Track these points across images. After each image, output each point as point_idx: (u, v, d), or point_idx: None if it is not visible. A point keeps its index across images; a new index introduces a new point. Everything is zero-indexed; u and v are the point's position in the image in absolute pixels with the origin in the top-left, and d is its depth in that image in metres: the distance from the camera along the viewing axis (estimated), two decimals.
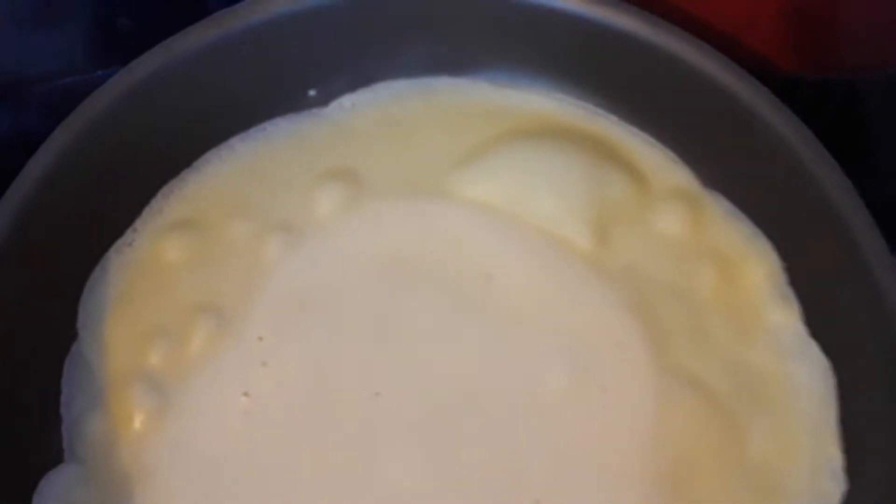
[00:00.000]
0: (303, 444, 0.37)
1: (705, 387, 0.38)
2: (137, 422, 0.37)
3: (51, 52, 0.50)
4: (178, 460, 0.37)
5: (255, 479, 0.37)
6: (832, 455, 0.37)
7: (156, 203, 0.42)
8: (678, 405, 0.37)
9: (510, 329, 0.39)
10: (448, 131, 0.43)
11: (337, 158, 0.42)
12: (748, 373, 0.38)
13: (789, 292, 0.40)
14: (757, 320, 0.39)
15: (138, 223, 0.42)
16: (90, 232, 0.41)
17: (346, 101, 0.45)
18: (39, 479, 0.37)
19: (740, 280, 0.40)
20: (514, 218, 0.41)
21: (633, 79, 0.43)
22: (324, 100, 0.45)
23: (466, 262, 0.40)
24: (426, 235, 0.41)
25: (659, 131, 0.43)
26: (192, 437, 0.37)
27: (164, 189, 0.42)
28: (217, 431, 0.37)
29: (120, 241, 0.41)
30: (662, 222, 0.41)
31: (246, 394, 0.38)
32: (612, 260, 0.40)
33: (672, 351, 0.38)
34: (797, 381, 0.38)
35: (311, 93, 0.45)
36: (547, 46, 0.44)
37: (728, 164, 0.42)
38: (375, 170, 0.42)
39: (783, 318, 0.39)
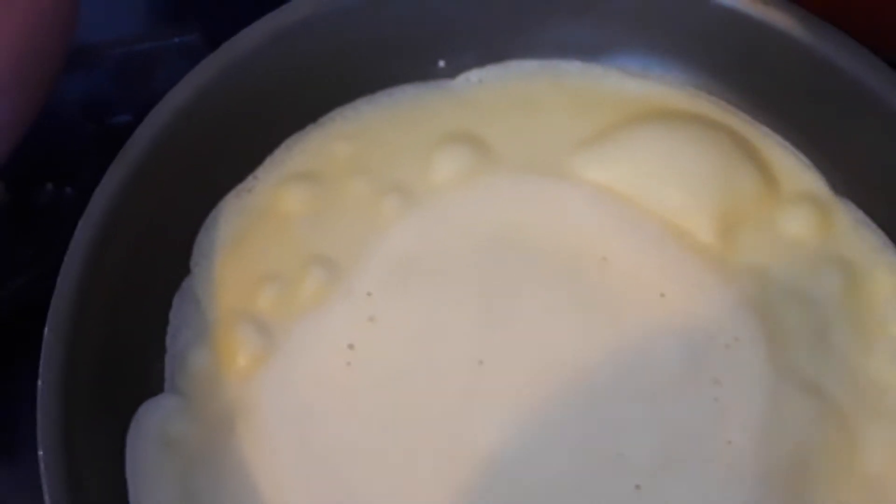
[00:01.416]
0: (402, 402, 0.37)
1: (822, 391, 0.37)
2: (241, 360, 0.37)
3: (126, 17, 0.51)
4: (277, 402, 0.37)
5: (352, 430, 0.36)
6: None
7: (279, 154, 0.42)
8: (793, 406, 0.36)
9: (622, 313, 0.38)
10: (574, 114, 0.43)
11: (459, 129, 0.42)
12: (868, 382, 0.37)
13: None
14: (882, 331, 0.38)
15: (259, 171, 0.42)
16: (212, 174, 0.41)
17: (474, 75, 0.44)
18: (138, 405, 0.37)
19: (867, 290, 0.39)
20: (636, 205, 0.40)
21: (772, 76, 0.42)
22: (452, 72, 0.45)
23: (582, 243, 0.40)
24: (543, 213, 0.40)
25: (793, 134, 0.42)
26: (294, 381, 0.37)
27: (288, 141, 0.43)
28: (319, 379, 0.37)
29: (240, 186, 0.42)
30: (790, 225, 0.40)
31: (350, 346, 0.37)
32: (735, 258, 0.39)
33: (790, 353, 0.37)
34: None
35: (441, 64, 0.44)
36: (683, 37, 0.43)
37: (861, 172, 0.41)
38: (497, 143, 0.42)
39: None
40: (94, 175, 0.38)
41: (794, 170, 0.42)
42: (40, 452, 0.31)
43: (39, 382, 0.32)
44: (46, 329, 0.33)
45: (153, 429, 0.36)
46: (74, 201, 0.49)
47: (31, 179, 0.49)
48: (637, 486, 0.35)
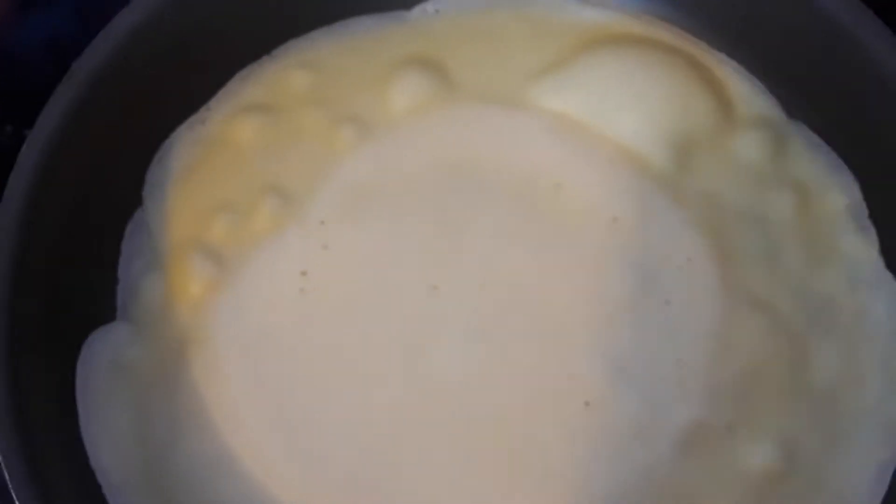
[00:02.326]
0: (356, 328, 0.37)
1: (772, 309, 0.37)
2: (194, 288, 0.37)
3: None
4: (230, 329, 0.37)
5: (306, 356, 0.36)
6: None
7: (232, 85, 0.42)
8: (743, 324, 0.36)
9: (574, 237, 0.38)
10: (531, 43, 0.43)
11: (415, 58, 0.42)
12: (819, 299, 0.37)
13: (868, 224, 0.39)
14: (832, 250, 0.38)
15: (212, 102, 0.42)
16: (164, 104, 0.41)
17: (431, 5, 0.44)
18: (89, 333, 0.37)
19: (819, 209, 0.39)
20: (592, 132, 0.40)
21: (727, 3, 0.42)
22: (408, 3, 0.44)
23: (536, 170, 0.40)
24: (498, 142, 0.40)
25: (748, 59, 0.42)
26: (247, 309, 0.37)
27: (242, 73, 0.42)
28: (272, 306, 0.37)
29: (193, 118, 0.41)
30: (744, 149, 0.40)
31: (304, 273, 0.37)
32: (689, 182, 0.39)
33: (741, 273, 0.37)
34: (870, 311, 0.37)
35: None
36: None
37: (815, 95, 0.41)
38: (453, 73, 0.42)
39: (860, 249, 0.38)
40: None
41: (749, 95, 0.42)
42: None
43: None
44: None
45: (104, 356, 0.36)
46: None
47: None
48: (586, 403, 0.35)
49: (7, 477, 0.29)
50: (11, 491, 0.29)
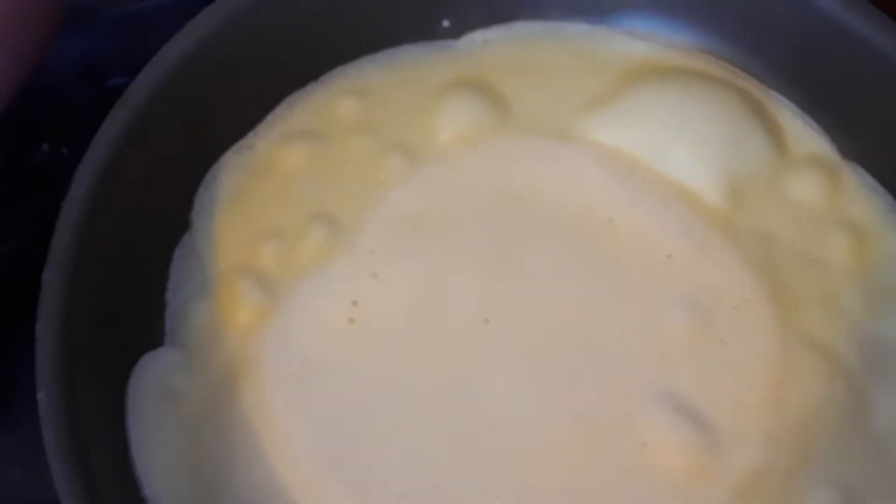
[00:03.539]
0: (406, 359, 0.36)
1: (830, 353, 0.36)
2: (243, 315, 0.37)
3: None
4: (279, 357, 0.36)
5: (356, 386, 0.36)
6: None
7: (280, 111, 0.42)
8: (801, 368, 0.36)
9: (628, 273, 0.38)
10: (581, 76, 0.42)
11: (463, 85, 0.41)
12: (877, 344, 0.37)
13: None
14: (889, 292, 0.38)
15: (260, 128, 0.41)
16: (212, 129, 0.40)
17: (479, 35, 0.44)
18: (138, 358, 0.36)
19: (874, 252, 0.39)
20: (644, 166, 0.40)
21: (781, 40, 0.42)
22: (456, 32, 0.44)
23: (589, 204, 0.39)
24: (550, 174, 0.40)
25: (801, 98, 0.42)
26: (296, 337, 0.36)
27: (290, 98, 0.42)
28: (321, 335, 0.36)
29: (241, 143, 0.41)
30: (798, 189, 0.40)
31: (354, 302, 0.37)
32: (742, 220, 0.39)
33: (798, 315, 0.37)
34: None
35: (445, 23, 0.44)
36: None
37: (870, 136, 0.41)
38: (500, 106, 0.41)
39: None
40: (90, 136, 0.37)
41: (803, 133, 0.41)
42: (39, 394, 0.30)
43: (38, 324, 0.31)
44: (45, 272, 0.32)
45: (153, 381, 0.36)
46: (70, 162, 0.48)
47: (27, 140, 0.48)
48: (644, 444, 0.35)
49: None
50: None
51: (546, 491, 0.34)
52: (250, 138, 0.41)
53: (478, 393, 0.36)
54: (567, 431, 0.35)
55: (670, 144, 0.40)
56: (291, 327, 0.37)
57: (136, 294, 0.37)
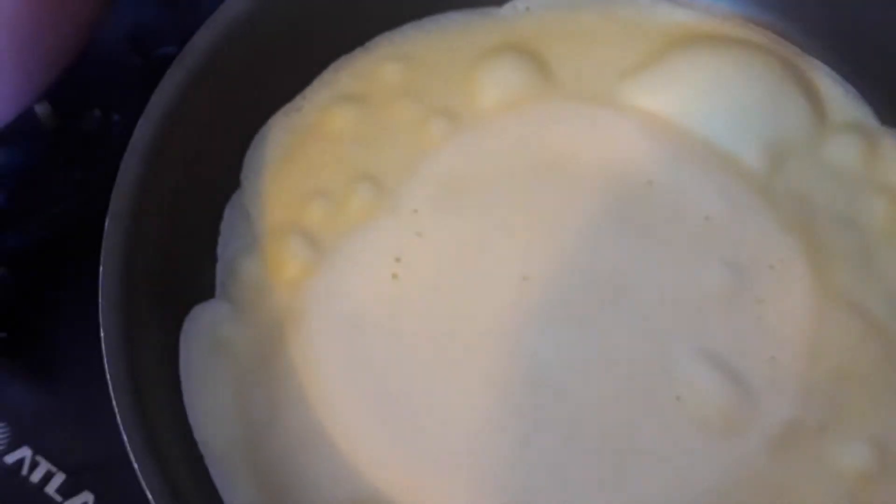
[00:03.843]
0: (449, 314, 0.37)
1: (866, 312, 0.37)
2: (290, 270, 0.38)
3: None
4: (326, 311, 0.37)
5: (399, 340, 0.37)
6: None
7: (326, 75, 0.43)
8: (835, 325, 0.37)
9: (667, 233, 0.38)
10: (621, 42, 0.43)
11: (507, 49, 0.42)
12: None
13: None
14: None
15: (308, 91, 0.42)
16: (261, 92, 0.41)
17: (521, 3, 0.45)
18: (190, 309, 0.37)
19: None
20: (684, 130, 0.40)
21: (821, 7, 0.42)
22: (499, 0, 0.45)
23: (628, 167, 0.40)
24: (590, 138, 0.41)
25: (841, 65, 0.42)
26: (342, 292, 0.37)
27: (336, 63, 0.43)
28: (367, 289, 0.37)
29: (289, 106, 0.42)
30: (836, 154, 0.40)
31: (398, 259, 0.38)
32: (781, 184, 0.39)
33: (834, 276, 0.38)
34: None
35: None
36: None
37: None
38: (542, 71, 0.42)
39: None
40: (140, 103, 0.38)
41: (842, 99, 0.42)
42: (102, 333, 0.31)
43: (101, 268, 0.32)
44: (108, 219, 0.34)
45: (205, 330, 0.37)
46: (121, 128, 0.49)
47: (79, 106, 0.49)
48: (678, 398, 0.36)
49: (126, 440, 0.30)
50: (129, 453, 0.30)
51: (583, 443, 0.35)
52: (298, 101, 0.42)
53: (517, 347, 0.36)
54: (604, 385, 0.36)
55: (710, 110, 0.40)
56: (336, 282, 0.38)
57: (188, 248, 0.38)
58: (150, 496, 0.30)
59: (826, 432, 0.35)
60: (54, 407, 0.43)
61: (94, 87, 0.49)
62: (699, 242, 0.38)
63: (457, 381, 0.36)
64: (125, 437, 0.30)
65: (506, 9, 0.44)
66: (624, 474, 0.34)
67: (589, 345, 0.36)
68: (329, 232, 0.39)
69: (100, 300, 0.32)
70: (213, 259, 0.39)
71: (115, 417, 0.31)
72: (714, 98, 0.40)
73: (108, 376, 0.31)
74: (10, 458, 0.41)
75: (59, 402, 0.43)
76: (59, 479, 0.41)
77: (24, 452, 0.41)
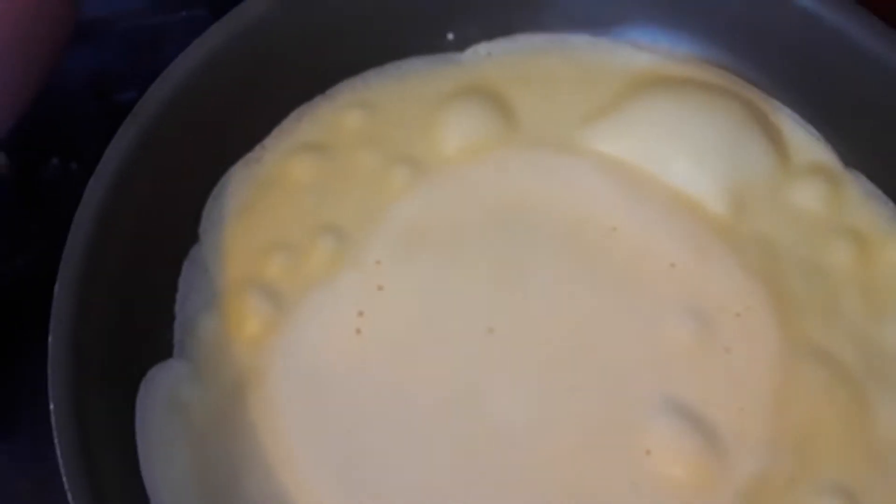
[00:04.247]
0: (413, 369, 0.36)
1: (833, 361, 0.37)
2: (251, 327, 0.37)
3: None
4: (287, 369, 0.36)
5: (363, 397, 0.36)
6: None
7: (287, 124, 0.42)
8: (803, 374, 0.36)
9: (631, 282, 0.38)
10: (583, 86, 0.43)
11: (469, 94, 0.42)
12: (881, 351, 0.37)
13: None
14: (893, 300, 0.38)
15: (267, 141, 0.42)
16: (220, 142, 0.41)
17: (483, 48, 0.44)
18: (146, 370, 0.36)
19: (877, 260, 0.39)
20: (646, 175, 0.40)
21: (782, 49, 0.42)
22: (460, 45, 0.45)
23: (592, 214, 0.40)
24: (553, 185, 0.40)
25: (803, 107, 0.42)
26: (304, 349, 0.37)
27: (296, 112, 0.43)
28: (329, 346, 0.37)
29: (249, 156, 0.42)
30: (800, 197, 0.40)
31: (360, 313, 0.37)
32: (745, 228, 0.39)
33: (801, 322, 0.37)
34: None
35: (450, 36, 0.44)
36: (692, 10, 0.43)
37: (872, 145, 0.41)
38: (504, 115, 0.42)
39: None
40: (100, 151, 0.38)
41: (805, 142, 0.42)
42: (51, 406, 0.30)
43: (50, 337, 0.32)
44: (57, 286, 0.33)
45: (162, 393, 0.36)
46: (80, 176, 0.48)
47: (36, 154, 0.49)
48: (647, 452, 0.35)
49: None
50: None
51: (551, 501, 0.34)
52: (258, 151, 0.42)
53: (482, 403, 0.36)
54: (571, 440, 0.35)
55: (672, 154, 0.40)
56: (299, 339, 0.37)
57: (144, 307, 0.37)
58: None
59: (796, 485, 0.35)
60: (10, 469, 0.42)
61: (51, 135, 0.49)
62: (664, 290, 0.38)
63: (419, 440, 0.35)
64: None
65: (467, 54, 0.44)
66: None
67: (554, 400, 0.36)
68: (290, 286, 0.38)
69: (48, 372, 0.31)
70: (171, 317, 0.38)
71: None
72: (676, 142, 0.40)
73: (58, 451, 0.30)
74: None
75: (15, 458, 0.43)
76: None
77: None
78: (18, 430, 0.43)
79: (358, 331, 0.37)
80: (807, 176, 0.41)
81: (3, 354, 0.44)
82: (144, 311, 0.37)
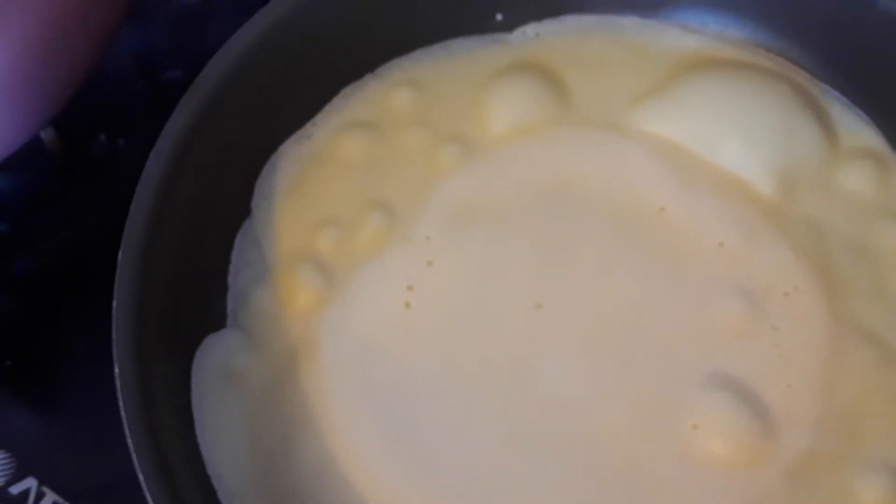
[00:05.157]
0: (460, 344, 0.37)
1: (881, 341, 0.37)
2: (302, 299, 0.38)
3: None
4: (338, 340, 0.37)
5: (412, 370, 0.36)
6: None
7: (337, 102, 0.43)
8: (851, 354, 0.36)
9: (679, 261, 0.38)
10: (632, 68, 0.43)
11: (518, 71, 0.42)
12: None
13: None
14: None
15: (318, 118, 0.42)
16: (272, 120, 0.41)
17: (531, 29, 0.45)
18: (201, 340, 0.37)
19: None
20: (696, 157, 0.40)
21: (831, 32, 0.42)
22: (509, 26, 0.45)
23: (641, 194, 0.40)
24: (602, 165, 0.41)
25: (852, 90, 0.42)
26: (354, 321, 0.37)
27: (346, 90, 0.43)
28: (379, 319, 0.37)
29: (299, 133, 0.42)
30: (849, 180, 0.40)
31: (410, 287, 0.38)
32: (793, 210, 0.39)
33: (849, 303, 0.37)
34: None
35: (498, 17, 0.45)
36: None
37: None
38: (555, 92, 0.42)
39: None
40: (146, 129, 0.38)
41: (854, 125, 0.42)
42: (116, 368, 0.31)
43: (115, 302, 0.32)
44: (121, 253, 0.33)
45: (216, 361, 0.37)
46: (127, 153, 0.49)
47: (84, 131, 0.49)
48: (694, 426, 0.35)
49: (140, 476, 0.29)
50: (143, 487, 0.29)
51: (599, 474, 0.35)
52: (308, 128, 0.42)
53: (531, 377, 0.36)
54: (619, 415, 0.36)
55: (722, 136, 0.40)
56: (349, 312, 0.37)
57: (199, 278, 0.38)
58: None
59: (844, 462, 0.35)
60: (60, 437, 0.43)
61: (99, 112, 0.49)
62: (713, 270, 0.38)
63: (469, 412, 0.35)
64: (139, 473, 0.29)
65: (515, 35, 0.44)
66: None
67: (603, 374, 0.36)
68: (341, 260, 0.39)
69: (113, 334, 0.31)
70: (224, 289, 0.39)
71: (120, 447, 0.31)
72: (725, 124, 0.40)
73: (122, 411, 0.30)
74: (15, 489, 0.41)
75: (64, 432, 0.43)
76: None
77: (30, 483, 0.41)
78: (63, 405, 0.43)
79: (407, 304, 0.38)
80: (855, 159, 0.41)
81: (49, 327, 0.45)
82: (199, 283, 0.38)
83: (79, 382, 0.43)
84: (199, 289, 0.38)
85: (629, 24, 0.44)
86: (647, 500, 0.34)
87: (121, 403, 0.31)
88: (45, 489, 0.41)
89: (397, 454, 0.35)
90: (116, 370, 0.31)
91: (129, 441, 0.30)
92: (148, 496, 0.29)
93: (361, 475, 0.35)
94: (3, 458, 0.41)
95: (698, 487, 0.34)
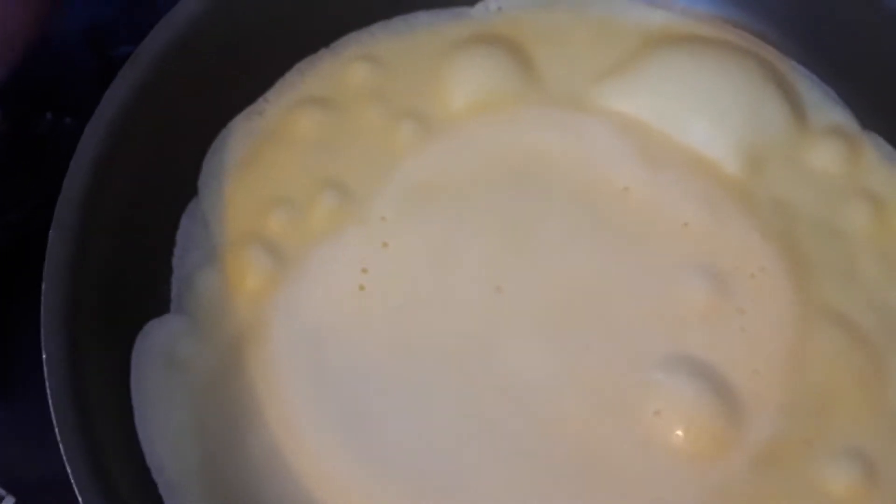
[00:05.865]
0: (416, 327, 0.36)
1: (849, 323, 0.36)
2: (251, 282, 0.36)
3: None
4: (288, 324, 0.35)
5: (365, 354, 0.35)
6: None
7: (290, 77, 0.41)
8: (819, 337, 0.35)
9: (643, 242, 0.37)
10: (596, 44, 0.42)
11: (475, 52, 0.41)
12: None
13: None
14: None
15: (270, 94, 0.41)
16: (221, 94, 0.40)
17: (493, 3, 0.43)
18: (142, 325, 0.35)
19: (894, 221, 0.38)
20: (661, 135, 0.39)
21: (799, 7, 0.41)
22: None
23: (603, 172, 0.38)
24: (564, 143, 0.39)
25: (820, 67, 0.41)
26: (305, 305, 0.36)
27: (300, 65, 0.42)
28: (331, 302, 0.36)
29: (250, 109, 0.40)
30: (817, 158, 0.39)
31: (364, 270, 0.36)
32: (760, 189, 0.38)
33: (816, 284, 0.37)
34: None
35: None
36: None
37: (891, 106, 0.40)
38: (515, 73, 0.41)
39: None
40: (94, 105, 0.37)
41: (822, 103, 0.41)
42: (44, 354, 0.29)
43: (44, 284, 0.30)
44: (52, 230, 0.32)
45: (158, 348, 0.35)
46: (74, 131, 0.47)
47: (30, 108, 0.48)
48: (657, 412, 0.34)
49: (70, 471, 0.28)
50: (73, 485, 0.28)
51: (558, 460, 0.34)
52: (260, 104, 0.41)
53: (489, 361, 0.35)
54: (579, 400, 0.34)
55: (688, 113, 0.39)
56: (300, 294, 0.36)
57: (141, 259, 0.36)
58: None
59: (811, 448, 0.34)
60: (4, 426, 0.41)
61: (45, 89, 0.48)
62: (677, 250, 0.37)
63: (424, 398, 0.34)
64: (68, 468, 0.28)
65: (477, 9, 0.43)
66: (595, 493, 0.33)
67: (563, 358, 0.35)
68: (292, 241, 0.37)
69: (42, 319, 0.30)
70: (169, 271, 0.37)
71: None
72: (691, 100, 0.39)
73: (50, 402, 0.28)
74: None
75: (9, 421, 0.42)
76: (8, 502, 0.39)
77: None
78: (15, 394, 0.42)
79: (361, 287, 0.36)
80: (824, 137, 0.40)
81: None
82: (141, 265, 0.36)
83: (25, 370, 0.41)
84: (141, 271, 0.36)
85: None
86: (606, 488, 0.33)
87: (49, 394, 0.29)
88: None
89: (348, 441, 0.34)
90: (44, 356, 0.29)
91: (58, 436, 0.28)
92: (76, 488, 0.27)
93: (311, 463, 0.33)
94: None
95: (660, 475, 0.33)
